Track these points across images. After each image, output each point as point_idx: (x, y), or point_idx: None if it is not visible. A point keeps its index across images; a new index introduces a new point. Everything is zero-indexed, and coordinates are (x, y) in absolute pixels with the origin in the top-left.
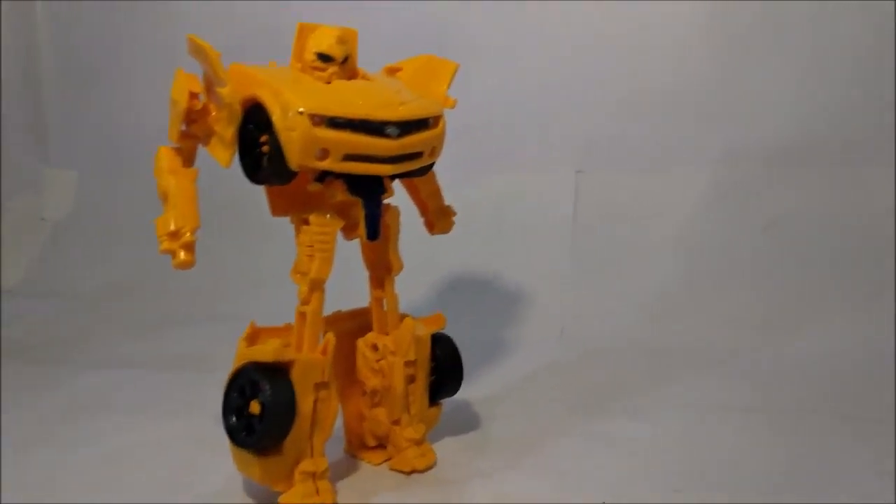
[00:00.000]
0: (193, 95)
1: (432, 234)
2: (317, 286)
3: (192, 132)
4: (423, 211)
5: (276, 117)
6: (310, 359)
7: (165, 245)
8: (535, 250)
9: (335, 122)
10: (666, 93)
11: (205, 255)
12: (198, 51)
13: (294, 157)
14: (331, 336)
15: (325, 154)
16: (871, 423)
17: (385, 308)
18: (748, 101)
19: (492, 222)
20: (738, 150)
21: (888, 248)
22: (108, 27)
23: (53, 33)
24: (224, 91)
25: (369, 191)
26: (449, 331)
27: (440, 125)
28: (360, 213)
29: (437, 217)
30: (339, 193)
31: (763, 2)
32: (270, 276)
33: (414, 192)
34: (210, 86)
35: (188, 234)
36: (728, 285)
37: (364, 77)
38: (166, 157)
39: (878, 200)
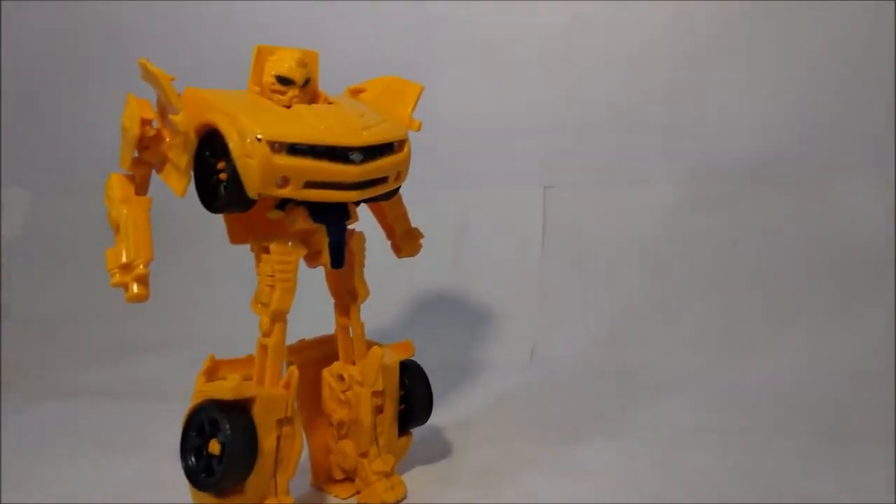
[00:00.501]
0: (146, 122)
1: (399, 257)
2: (278, 317)
3: (145, 159)
4: (390, 234)
5: (233, 144)
6: (272, 394)
7: (117, 278)
8: (503, 269)
9: (296, 149)
10: (632, 108)
11: (163, 280)
12: (150, 76)
13: (253, 185)
14: (294, 370)
15: (285, 182)
16: (846, 443)
17: (351, 336)
18: (714, 117)
19: (458, 240)
20: (704, 166)
21: (856, 263)
22: (63, 44)
23: (4, 50)
24: (177, 118)
25: (333, 217)
26: (417, 353)
27: (405, 149)
28: (323, 241)
29: (405, 240)
30: (301, 221)
31: (727, 17)
32: (229, 301)
33: (380, 216)
34: (164, 111)
35: (141, 267)
36: (697, 302)
37: (326, 100)
38: (118, 185)
39: (845, 214)
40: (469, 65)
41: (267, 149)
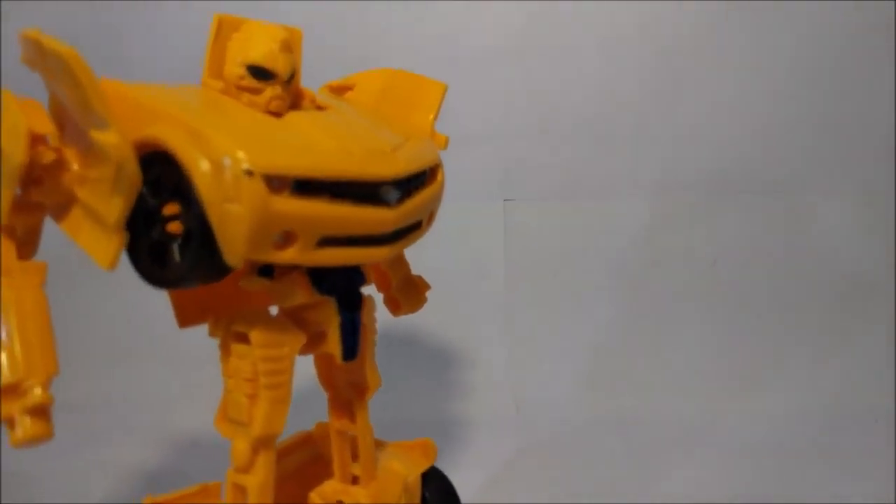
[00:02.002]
0: (38, 139)
1: (397, 315)
2: (265, 445)
3: (34, 200)
4: (384, 286)
5: (202, 180)
6: None
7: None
8: (464, 298)
9: (306, 187)
10: (598, 117)
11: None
12: (46, 58)
13: (236, 246)
14: None
15: (289, 239)
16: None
17: (352, 444)
18: (684, 128)
19: (413, 261)
20: (673, 179)
21: (836, 279)
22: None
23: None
24: (107, 137)
25: (344, 284)
26: (388, 406)
27: (439, 177)
28: (327, 320)
29: (404, 293)
30: (301, 293)
31: (698, 28)
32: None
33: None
34: (66, 121)
35: (37, 391)
36: (680, 332)
37: (313, 103)
38: None
39: (819, 229)
40: (422, 68)
41: (262, 188)
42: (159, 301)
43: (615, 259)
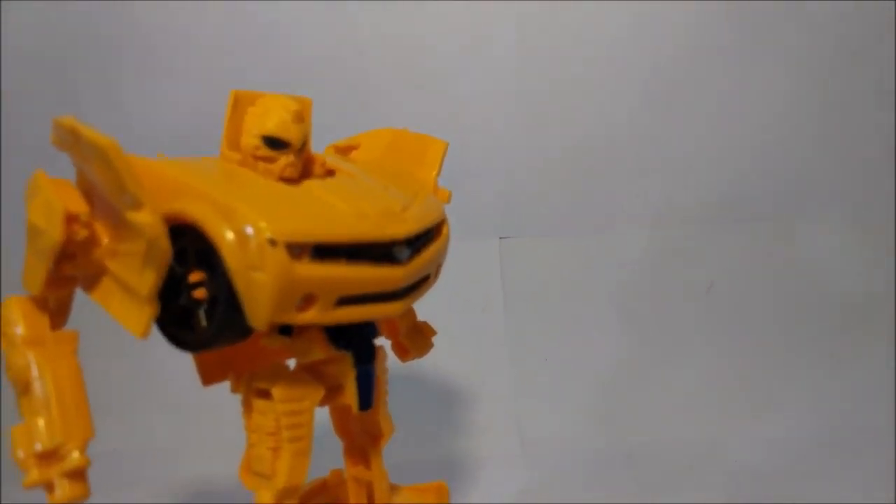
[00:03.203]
0: (73, 218)
1: (405, 361)
2: (288, 496)
3: (66, 274)
4: (391, 333)
5: (229, 251)
6: None
7: (34, 475)
8: (464, 336)
9: (325, 252)
10: (595, 153)
11: None
12: (81, 144)
13: (262, 311)
14: None
15: (309, 301)
16: None
17: (367, 489)
18: (679, 159)
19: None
20: (670, 209)
21: (832, 304)
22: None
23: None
24: (141, 217)
25: (359, 339)
26: (394, 446)
27: (444, 231)
28: (343, 373)
29: (411, 339)
30: (318, 349)
31: (692, 57)
32: None
33: None
34: (95, 197)
35: (76, 455)
36: (681, 360)
37: (324, 168)
38: (20, 317)
39: (814, 254)
40: (418, 105)
41: (285, 256)
42: (163, 356)
43: (615, 291)
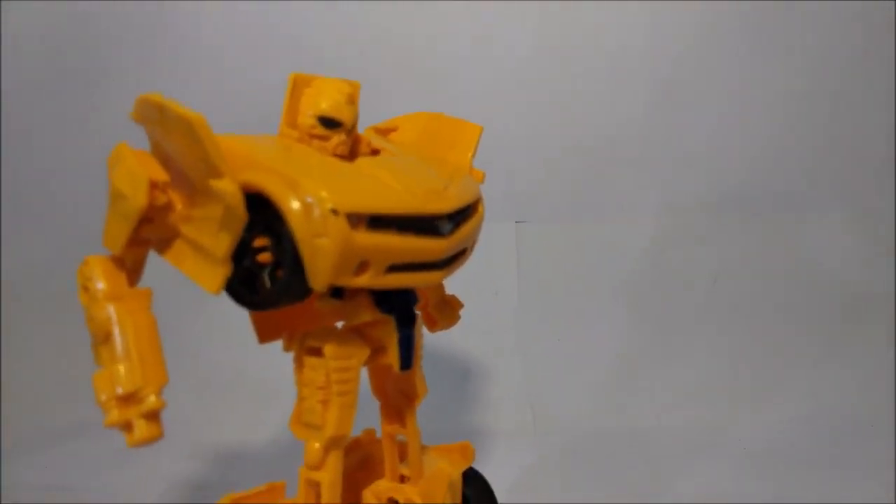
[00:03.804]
0: (155, 186)
1: (433, 331)
2: (336, 444)
3: (143, 236)
4: (422, 304)
5: (296, 220)
6: None
7: (115, 415)
8: (479, 315)
9: (378, 222)
10: (604, 141)
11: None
12: (167, 119)
13: (324, 274)
14: None
15: (364, 266)
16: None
17: (399, 447)
18: (687, 150)
19: None
20: (678, 199)
21: (835, 294)
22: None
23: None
24: (223, 185)
25: (401, 304)
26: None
27: (480, 209)
28: (387, 335)
29: (440, 311)
30: (366, 312)
31: (700, 51)
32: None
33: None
34: (170, 168)
35: (153, 398)
36: (688, 345)
37: (369, 147)
38: (102, 274)
39: (817, 246)
40: (432, 94)
41: (345, 224)
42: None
43: (623, 277)
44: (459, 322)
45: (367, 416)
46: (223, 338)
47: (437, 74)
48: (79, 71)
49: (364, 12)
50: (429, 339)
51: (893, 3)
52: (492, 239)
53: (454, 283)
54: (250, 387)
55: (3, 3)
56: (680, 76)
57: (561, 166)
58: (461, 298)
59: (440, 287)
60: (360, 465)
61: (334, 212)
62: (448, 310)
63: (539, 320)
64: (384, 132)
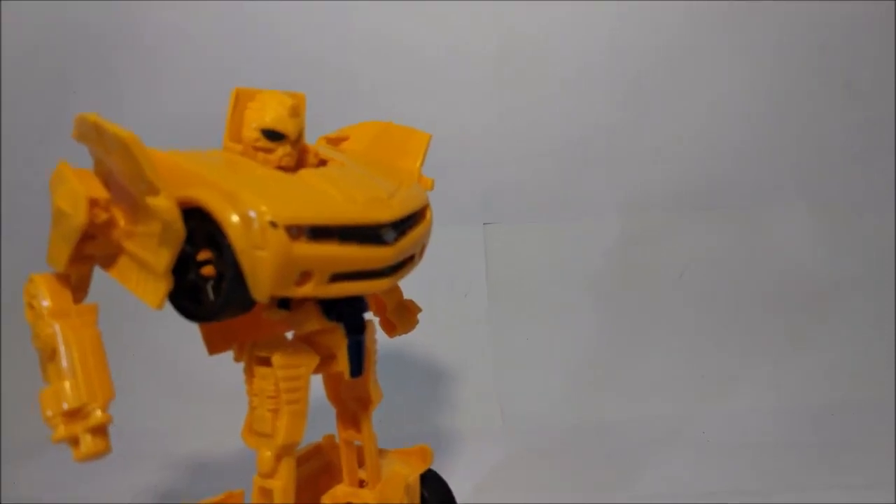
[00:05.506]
0: (95, 203)
1: (392, 336)
2: (287, 452)
3: (87, 253)
4: (379, 310)
5: (235, 232)
6: None
7: (61, 431)
8: (448, 316)
9: (319, 233)
10: (571, 143)
11: None
12: (104, 138)
13: (264, 285)
14: None
15: (305, 277)
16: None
17: (357, 452)
18: (651, 151)
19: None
20: (643, 198)
21: (799, 288)
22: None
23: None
24: (159, 202)
25: (350, 311)
26: (380, 420)
27: (428, 216)
28: (335, 343)
29: (398, 315)
30: (314, 321)
31: (665, 49)
32: None
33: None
34: (112, 184)
35: (98, 413)
36: (654, 340)
37: (317, 157)
38: (47, 291)
39: (780, 240)
40: (401, 96)
41: (284, 236)
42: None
43: (590, 274)
44: (431, 323)
45: (327, 422)
46: (194, 348)
47: (412, 76)
48: (69, 74)
49: (340, 13)
50: (399, 341)
51: (854, 1)
52: (461, 240)
53: (424, 285)
54: (221, 396)
55: (2, 3)
56: (643, 76)
57: (528, 167)
58: (431, 300)
59: (397, 292)
60: (322, 471)
61: (273, 224)
62: (406, 314)
63: (508, 320)
64: (335, 142)
